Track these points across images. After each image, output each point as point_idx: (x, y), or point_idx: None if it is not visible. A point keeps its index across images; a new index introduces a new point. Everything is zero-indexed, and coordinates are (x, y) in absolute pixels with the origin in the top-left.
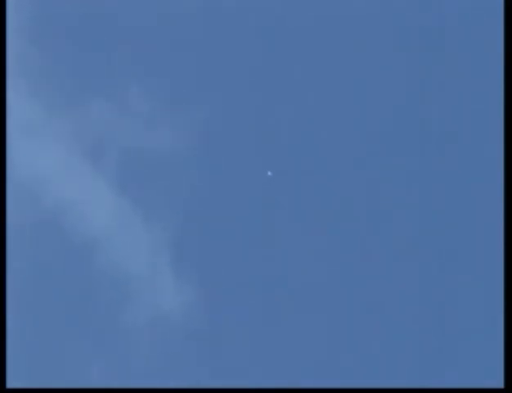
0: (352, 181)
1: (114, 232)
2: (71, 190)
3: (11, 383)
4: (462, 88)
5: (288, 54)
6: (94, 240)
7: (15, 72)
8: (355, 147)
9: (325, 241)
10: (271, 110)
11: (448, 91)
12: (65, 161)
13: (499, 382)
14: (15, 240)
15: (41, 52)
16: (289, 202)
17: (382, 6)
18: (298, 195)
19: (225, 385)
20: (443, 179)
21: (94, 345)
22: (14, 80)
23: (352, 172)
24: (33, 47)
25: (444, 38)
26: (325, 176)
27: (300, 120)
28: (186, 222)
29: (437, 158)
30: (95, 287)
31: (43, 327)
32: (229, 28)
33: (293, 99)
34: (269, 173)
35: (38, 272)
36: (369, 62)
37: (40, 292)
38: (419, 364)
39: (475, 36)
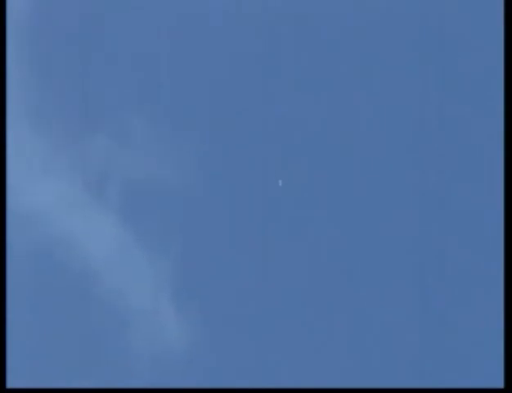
0: (351, 181)
1: (116, 265)
2: (72, 221)
3: (11, 383)
4: (462, 87)
5: (291, 71)
6: (95, 272)
7: (16, 108)
8: (355, 149)
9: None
10: (277, 141)
11: (448, 90)
12: (65, 193)
13: (499, 382)
14: (14, 270)
15: (40, 84)
16: (294, 231)
17: (381, 5)
18: (304, 222)
19: (225, 385)
20: (443, 179)
21: (93, 378)
22: (14, 109)
23: (351, 173)
24: (33, 79)
25: (444, 38)
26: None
27: (306, 145)
28: (188, 254)
29: (438, 158)
30: (94, 320)
31: (42, 358)
32: (230, 53)
33: (299, 129)
34: (280, 183)
35: (36, 303)
36: (368, 62)
37: (38, 324)
38: (419, 364)
39: (475, 36)
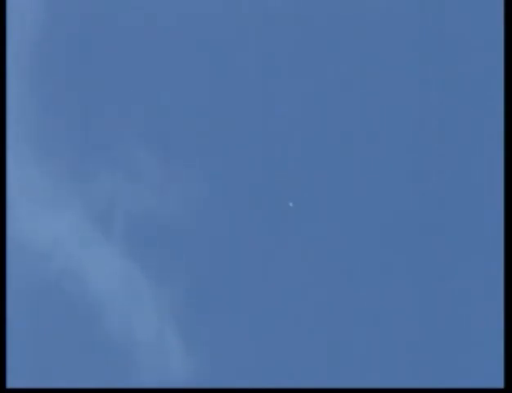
0: (351, 181)
1: (121, 298)
2: (78, 255)
3: (11, 383)
4: (462, 87)
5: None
6: (101, 305)
7: (19, 138)
8: (354, 149)
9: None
10: (280, 175)
11: (448, 91)
12: (72, 227)
13: (499, 382)
14: (21, 304)
15: (44, 116)
16: (298, 263)
17: (381, 5)
18: (308, 256)
19: (225, 385)
20: (443, 179)
21: None
22: (18, 146)
23: (351, 173)
24: (37, 112)
25: (444, 38)
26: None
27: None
28: (193, 288)
29: (438, 159)
30: (100, 353)
31: (48, 389)
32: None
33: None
34: (291, 204)
35: (43, 336)
36: (368, 62)
37: (44, 356)
38: (419, 364)
39: (475, 36)
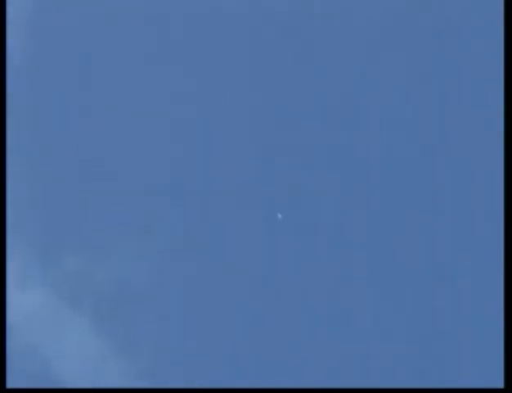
0: (351, 181)
1: (87, 372)
2: (44, 331)
3: (11, 383)
4: (462, 87)
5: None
6: (63, 381)
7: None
8: (354, 150)
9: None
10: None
11: (447, 90)
12: (40, 306)
13: (499, 382)
14: None
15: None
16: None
17: (381, 5)
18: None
19: (225, 385)
20: (443, 179)
21: None
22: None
23: (351, 173)
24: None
25: (444, 38)
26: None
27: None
28: (162, 360)
29: (437, 158)
30: None
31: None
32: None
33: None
34: (279, 216)
35: None
36: (368, 62)
37: None
38: (419, 364)
39: (475, 36)
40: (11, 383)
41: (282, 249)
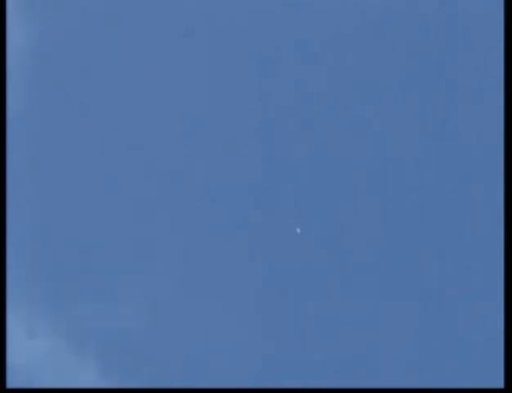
0: (350, 181)
1: None
2: (52, 375)
3: (11, 383)
4: (462, 87)
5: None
6: None
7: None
8: (354, 150)
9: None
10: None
11: (447, 90)
12: (47, 353)
13: (499, 382)
14: None
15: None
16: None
17: (381, 5)
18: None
19: (225, 385)
20: (443, 179)
21: None
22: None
23: (350, 174)
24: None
25: (444, 38)
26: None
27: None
28: None
29: (437, 158)
30: None
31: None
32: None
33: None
34: (298, 230)
35: None
36: (368, 62)
37: None
38: (419, 364)
39: (475, 36)
40: (11, 383)
41: (282, 249)
